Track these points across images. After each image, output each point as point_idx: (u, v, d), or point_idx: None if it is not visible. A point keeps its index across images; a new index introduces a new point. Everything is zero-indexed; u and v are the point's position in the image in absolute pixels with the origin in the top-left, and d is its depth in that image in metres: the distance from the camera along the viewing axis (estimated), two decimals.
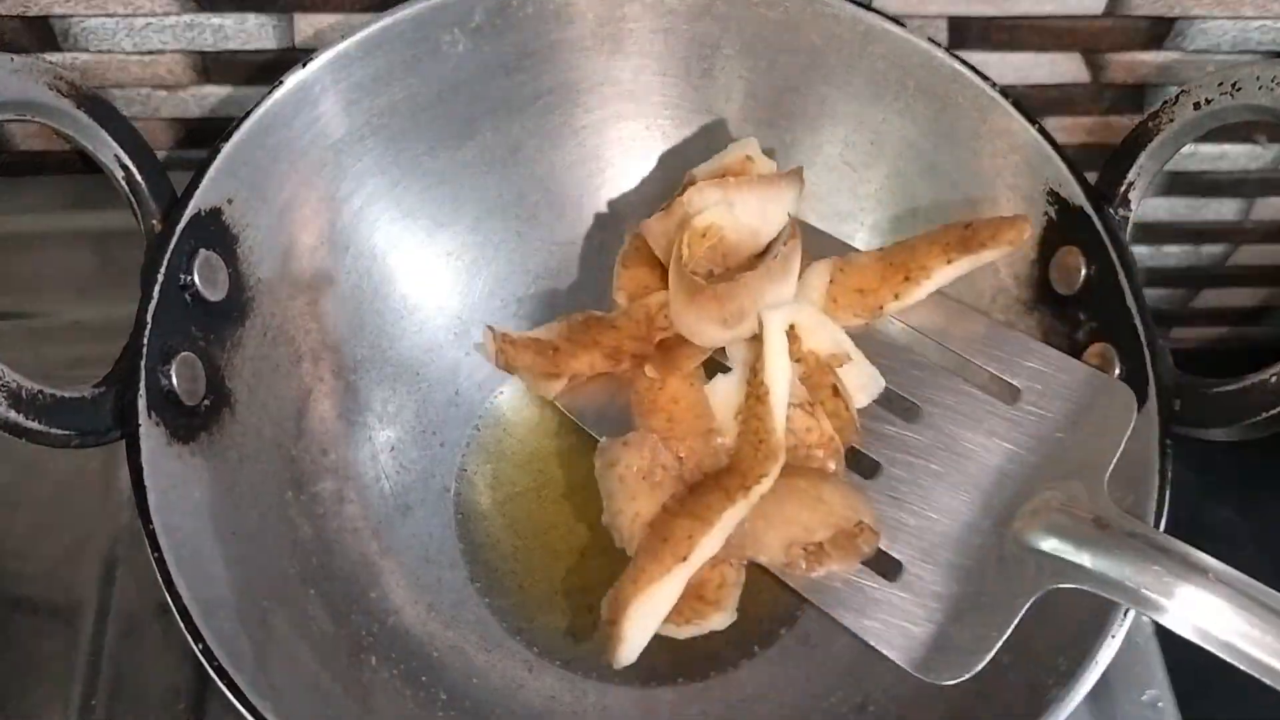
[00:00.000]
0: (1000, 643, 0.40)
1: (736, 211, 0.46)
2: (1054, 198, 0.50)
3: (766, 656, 0.51)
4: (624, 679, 0.50)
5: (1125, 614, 0.41)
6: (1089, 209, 0.49)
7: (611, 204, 0.58)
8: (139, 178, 0.47)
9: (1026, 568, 0.41)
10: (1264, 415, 0.43)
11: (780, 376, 0.41)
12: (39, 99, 0.45)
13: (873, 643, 0.41)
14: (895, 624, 0.41)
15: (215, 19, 0.56)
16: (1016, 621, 0.40)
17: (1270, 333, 0.81)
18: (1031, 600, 0.40)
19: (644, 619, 0.40)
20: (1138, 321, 0.47)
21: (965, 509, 0.42)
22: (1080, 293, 0.49)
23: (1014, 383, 0.45)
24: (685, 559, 0.38)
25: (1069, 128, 0.64)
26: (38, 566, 0.52)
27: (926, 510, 0.43)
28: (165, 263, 0.45)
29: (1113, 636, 0.41)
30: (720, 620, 0.43)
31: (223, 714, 0.48)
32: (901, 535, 0.43)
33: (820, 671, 0.50)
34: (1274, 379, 0.43)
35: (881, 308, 0.46)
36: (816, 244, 0.50)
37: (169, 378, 0.44)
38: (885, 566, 0.43)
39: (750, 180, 0.47)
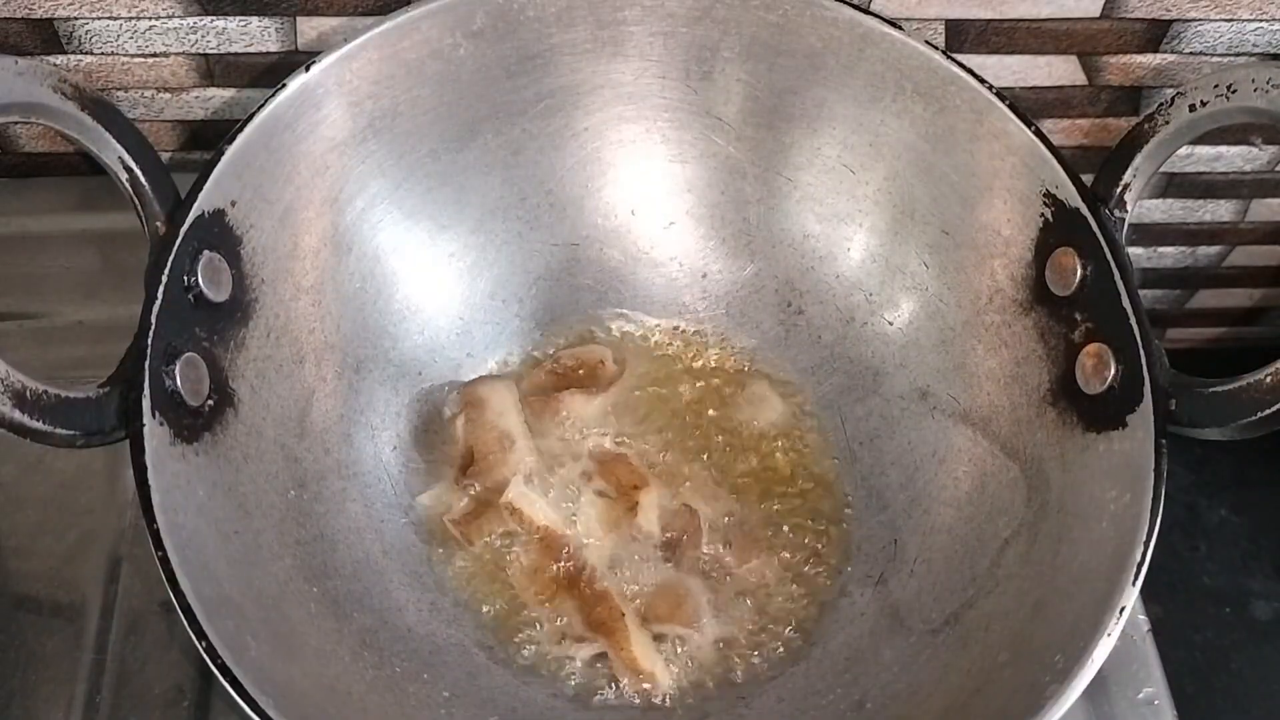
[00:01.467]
0: None
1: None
2: (1050, 199, 0.50)
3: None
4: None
5: (1121, 613, 0.42)
6: (1085, 210, 0.49)
7: (612, 205, 0.59)
8: (143, 179, 0.47)
9: None
10: (1259, 415, 0.44)
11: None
12: (44, 101, 0.45)
13: None
14: None
15: (219, 22, 0.56)
16: None
17: (1266, 333, 0.81)
18: None
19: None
20: (1133, 322, 0.47)
21: None
22: (1076, 293, 0.49)
23: None
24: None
25: (1065, 130, 0.64)
26: (42, 565, 0.52)
27: None
28: (169, 264, 0.45)
29: (1109, 635, 0.41)
30: None
31: (226, 712, 0.48)
32: None
33: (818, 669, 0.50)
34: (1269, 379, 0.43)
35: None
36: None
37: (173, 378, 0.44)
38: None
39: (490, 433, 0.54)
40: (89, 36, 0.56)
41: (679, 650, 0.51)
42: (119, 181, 0.47)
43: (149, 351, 0.44)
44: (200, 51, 0.58)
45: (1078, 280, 0.49)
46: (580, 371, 0.57)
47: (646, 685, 0.49)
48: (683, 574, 0.52)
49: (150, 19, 0.56)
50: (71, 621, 0.51)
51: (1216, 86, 0.47)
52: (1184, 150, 0.51)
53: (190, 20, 0.56)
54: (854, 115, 0.55)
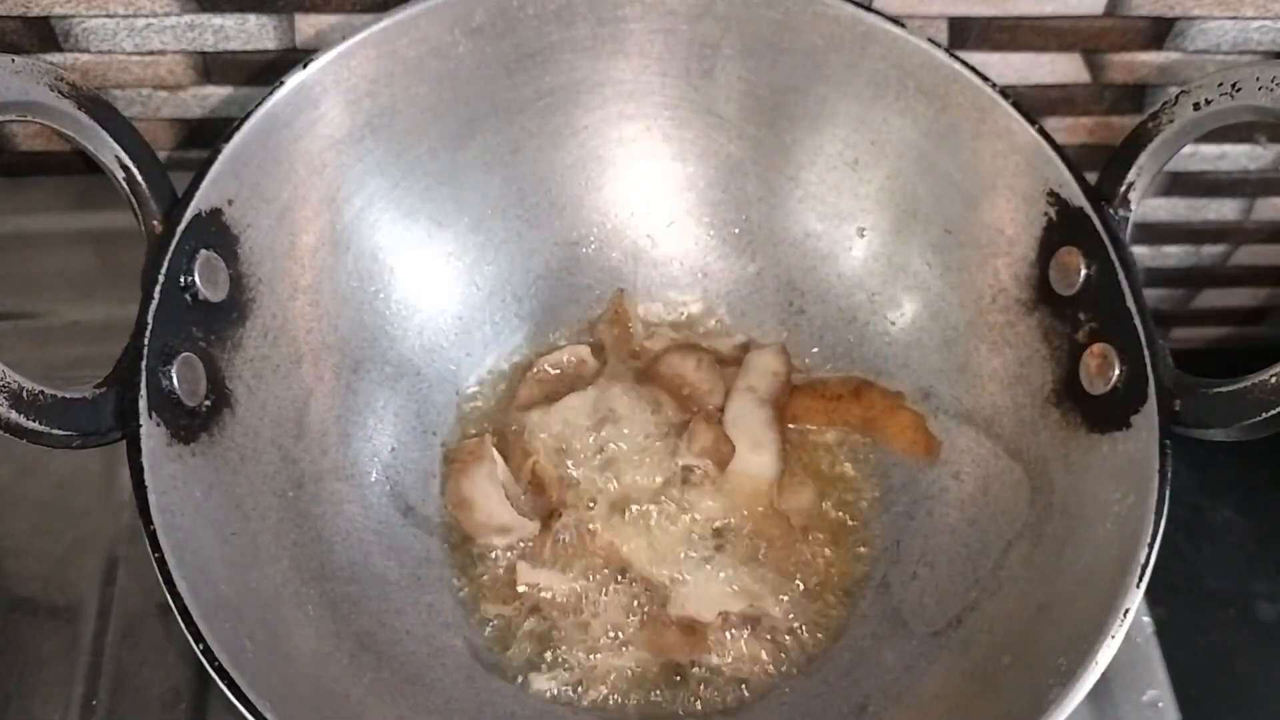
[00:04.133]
0: None
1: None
2: (1054, 198, 0.50)
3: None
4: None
5: (1125, 615, 0.42)
6: (1089, 209, 0.49)
7: (612, 204, 0.59)
8: (140, 178, 0.47)
9: None
10: (1264, 415, 0.43)
11: None
12: (40, 100, 0.45)
13: None
14: None
15: (216, 19, 0.56)
16: None
17: (1270, 333, 0.81)
18: None
19: None
20: (1138, 322, 0.47)
21: None
22: (1080, 293, 0.49)
23: None
24: None
25: (1069, 128, 0.64)
26: (39, 567, 0.52)
27: None
28: (166, 263, 0.45)
29: (1112, 637, 0.41)
30: None
31: (224, 714, 0.48)
32: None
33: (821, 672, 0.50)
34: (1274, 379, 0.43)
35: None
36: None
37: (170, 378, 0.44)
38: None
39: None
40: (86, 34, 0.56)
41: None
42: (116, 180, 0.47)
43: (146, 351, 0.44)
44: (197, 49, 0.57)
45: (1081, 280, 0.49)
46: (566, 373, 0.57)
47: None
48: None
49: (147, 17, 0.56)
50: (68, 623, 0.50)
51: (1221, 85, 0.47)
52: (1188, 149, 0.51)
53: (187, 18, 0.56)
54: (856, 113, 0.55)
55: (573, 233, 0.58)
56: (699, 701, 0.50)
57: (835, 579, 0.52)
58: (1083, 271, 0.49)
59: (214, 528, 0.44)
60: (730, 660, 0.50)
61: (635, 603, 0.51)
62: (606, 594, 0.51)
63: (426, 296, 0.56)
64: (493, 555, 0.52)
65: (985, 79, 0.51)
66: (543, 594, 0.51)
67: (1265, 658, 0.64)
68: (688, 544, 0.52)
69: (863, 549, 0.53)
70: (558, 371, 0.57)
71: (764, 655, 0.50)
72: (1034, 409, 0.51)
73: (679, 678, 0.50)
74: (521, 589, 0.51)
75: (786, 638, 0.51)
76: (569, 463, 0.54)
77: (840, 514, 0.54)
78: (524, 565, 0.51)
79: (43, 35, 0.56)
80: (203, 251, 0.47)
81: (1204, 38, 0.59)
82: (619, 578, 0.52)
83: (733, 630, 0.50)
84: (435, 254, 0.56)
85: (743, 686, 0.50)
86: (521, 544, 0.52)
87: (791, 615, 0.51)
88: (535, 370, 0.57)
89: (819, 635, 0.51)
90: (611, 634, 0.51)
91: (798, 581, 0.52)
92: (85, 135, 0.46)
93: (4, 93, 0.44)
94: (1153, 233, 0.72)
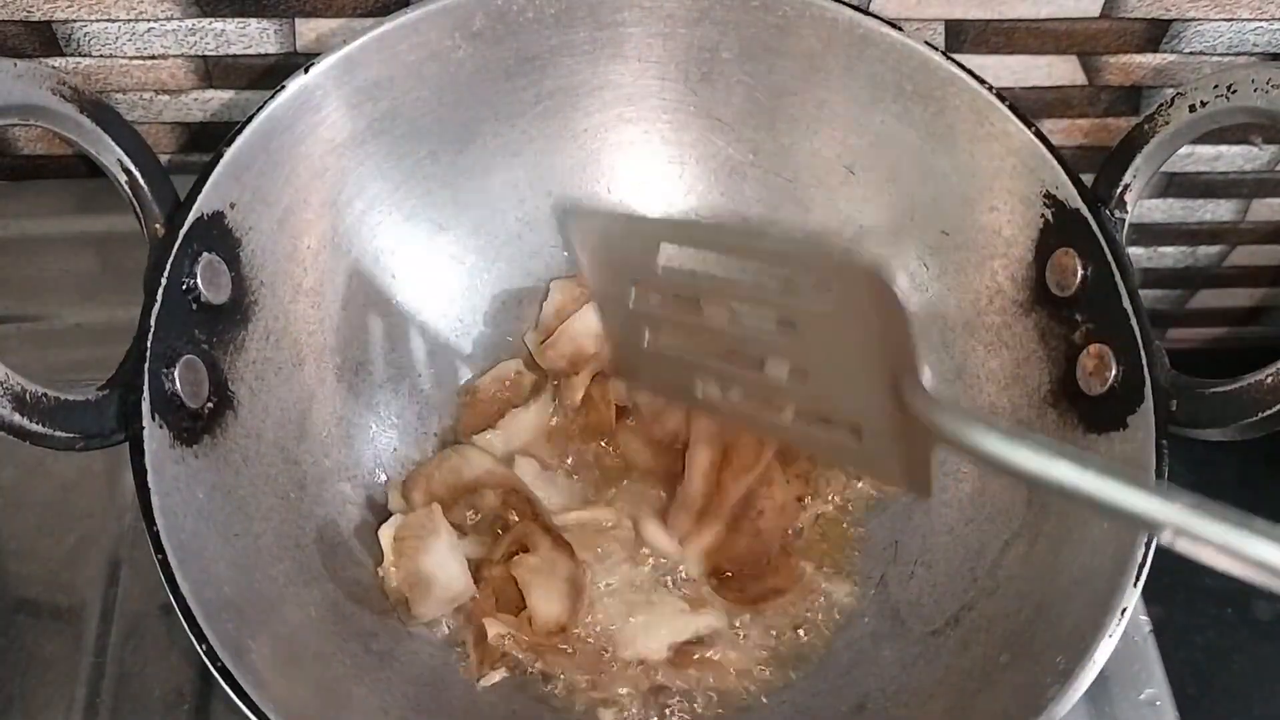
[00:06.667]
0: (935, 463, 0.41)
1: None
2: (1050, 200, 0.50)
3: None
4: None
5: (1122, 614, 0.42)
6: (1085, 211, 0.49)
7: (611, 207, 0.59)
8: (142, 182, 0.47)
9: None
10: (1260, 415, 0.44)
11: None
12: (43, 104, 0.45)
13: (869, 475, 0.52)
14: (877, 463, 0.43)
15: (217, 24, 0.56)
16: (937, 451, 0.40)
17: (1266, 333, 0.81)
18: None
19: None
20: (1134, 322, 0.47)
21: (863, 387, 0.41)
22: (1077, 294, 0.49)
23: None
24: None
25: (1065, 130, 0.64)
26: (42, 568, 0.52)
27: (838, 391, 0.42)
28: (168, 266, 0.45)
29: (1110, 635, 0.42)
30: None
31: (226, 714, 0.49)
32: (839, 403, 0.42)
33: (819, 671, 0.50)
34: (1270, 379, 0.43)
35: None
36: None
37: (172, 380, 0.44)
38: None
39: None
40: (88, 39, 0.56)
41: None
42: (118, 184, 0.47)
43: (148, 354, 0.44)
44: (199, 53, 0.58)
45: (1078, 281, 0.49)
46: (503, 391, 0.56)
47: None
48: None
49: (149, 21, 0.56)
50: (71, 625, 0.51)
51: (1216, 87, 0.47)
52: (1184, 150, 0.51)
53: (189, 22, 0.56)
54: (854, 116, 0.55)
55: (573, 235, 0.58)
56: (698, 705, 0.50)
57: (825, 577, 0.53)
58: (1079, 273, 0.49)
59: (217, 529, 0.44)
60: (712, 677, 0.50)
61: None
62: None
63: (428, 299, 0.56)
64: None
65: (982, 82, 0.51)
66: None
67: (1262, 656, 0.64)
68: (630, 587, 0.52)
69: (857, 552, 0.53)
70: (495, 391, 0.56)
71: (736, 670, 0.50)
72: (1031, 410, 0.51)
73: (676, 679, 0.50)
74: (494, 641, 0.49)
75: (761, 650, 0.51)
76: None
77: (836, 515, 0.54)
78: (489, 620, 0.49)
79: (45, 40, 0.56)
80: (205, 254, 0.47)
81: (1200, 39, 0.60)
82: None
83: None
84: (436, 257, 0.56)
85: (742, 688, 0.50)
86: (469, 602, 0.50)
87: (760, 630, 0.51)
88: (470, 396, 0.56)
89: (807, 638, 0.51)
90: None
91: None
92: (87, 139, 0.46)
93: (6, 97, 0.44)
94: (1149, 233, 0.73)
